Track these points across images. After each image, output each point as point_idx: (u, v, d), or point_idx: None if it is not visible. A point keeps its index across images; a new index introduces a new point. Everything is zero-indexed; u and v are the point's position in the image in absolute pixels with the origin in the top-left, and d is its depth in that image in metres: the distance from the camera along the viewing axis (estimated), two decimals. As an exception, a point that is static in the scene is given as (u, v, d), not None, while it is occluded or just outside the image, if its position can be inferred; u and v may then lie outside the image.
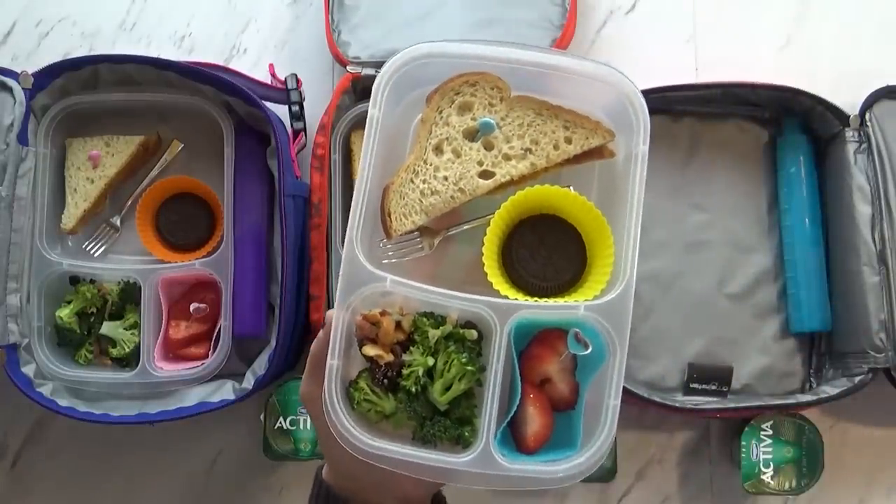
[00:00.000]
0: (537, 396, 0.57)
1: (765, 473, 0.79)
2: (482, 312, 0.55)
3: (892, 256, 0.78)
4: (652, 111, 0.85)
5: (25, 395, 0.77)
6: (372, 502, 0.56)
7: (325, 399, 0.53)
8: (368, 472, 0.54)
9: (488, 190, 0.57)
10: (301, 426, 0.81)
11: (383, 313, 0.55)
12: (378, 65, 0.83)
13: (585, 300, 0.55)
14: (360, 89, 0.84)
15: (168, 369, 0.80)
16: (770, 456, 0.79)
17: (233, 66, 0.89)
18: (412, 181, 0.57)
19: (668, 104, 0.85)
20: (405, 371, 0.55)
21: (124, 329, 0.82)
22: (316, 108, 0.85)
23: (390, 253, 0.59)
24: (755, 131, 0.87)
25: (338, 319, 0.54)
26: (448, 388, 0.55)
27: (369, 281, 0.54)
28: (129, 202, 0.86)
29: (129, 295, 0.83)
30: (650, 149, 0.84)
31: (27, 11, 0.95)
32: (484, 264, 0.57)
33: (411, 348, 0.56)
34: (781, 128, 0.86)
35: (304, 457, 0.81)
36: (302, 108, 0.84)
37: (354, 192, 0.55)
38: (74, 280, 0.84)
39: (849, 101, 0.82)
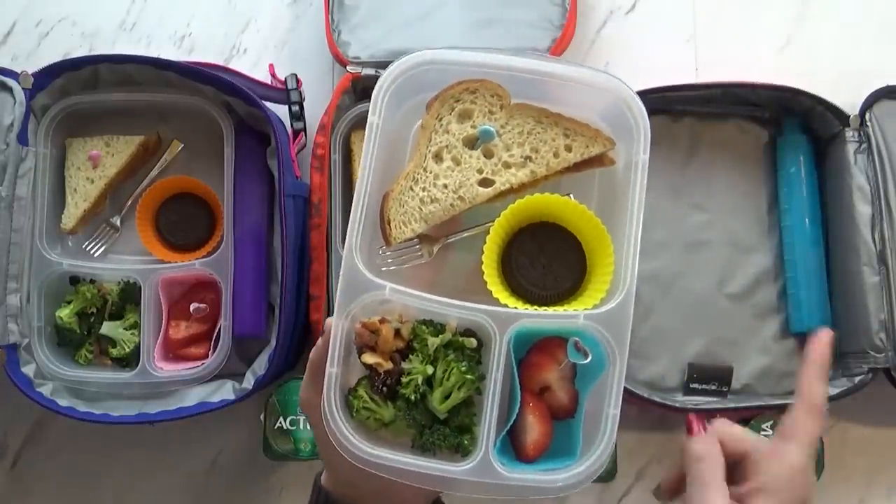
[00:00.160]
0: (536, 405, 0.57)
1: (765, 473, 0.79)
2: (481, 321, 0.55)
3: (892, 256, 0.78)
4: (652, 111, 0.85)
5: (25, 395, 0.77)
6: None
7: (324, 407, 0.53)
8: (368, 480, 0.54)
9: (488, 198, 0.57)
10: (301, 426, 0.81)
11: (382, 321, 0.55)
12: (378, 65, 0.83)
13: (585, 309, 0.55)
14: (360, 89, 0.84)
15: (168, 369, 0.80)
16: (770, 456, 0.79)
17: (233, 66, 0.89)
18: (412, 189, 0.57)
19: (668, 104, 0.85)
20: (404, 379, 0.55)
21: (124, 329, 0.82)
22: (316, 108, 0.85)
23: (389, 260, 0.59)
24: (755, 131, 0.87)
25: (337, 328, 0.54)
26: (447, 397, 0.55)
27: (368, 289, 0.54)
28: (129, 202, 0.86)
29: (129, 295, 0.83)
30: (650, 148, 0.85)
31: (27, 11, 0.95)
32: (483, 272, 0.57)
33: (410, 356, 0.56)
34: (781, 128, 0.86)
35: (304, 457, 0.81)
36: (302, 108, 0.84)
37: (354, 200, 0.55)
38: (74, 280, 0.84)
39: (849, 101, 0.82)
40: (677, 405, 0.79)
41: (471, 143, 0.58)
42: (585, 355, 0.54)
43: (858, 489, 0.85)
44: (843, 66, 0.91)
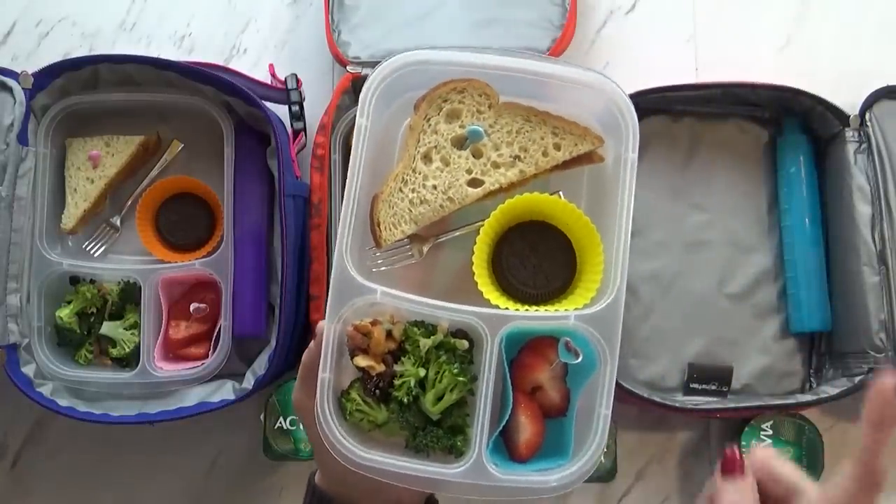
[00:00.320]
0: (528, 405, 0.57)
1: (765, 473, 0.79)
2: (473, 322, 0.55)
3: (892, 256, 0.78)
4: (652, 111, 0.86)
5: (25, 395, 0.77)
6: None
7: (317, 411, 0.53)
8: (362, 479, 0.54)
9: (477, 198, 0.57)
10: (301, 426, 0.80)
11: (374, 322, 0.55)
12: (378, 65, 0.83)
13: (576, 308, 0.55)
14: (360, 89, 0.84)
15: (168, 369, 0.80)
16: (770, 456, 0.79)
17: (233, 66, 0.89)
18: (401, 190, 0.57)
19: (668, 104, 0.85)
20: (397, 381, 0.55)
21: (124, 329, 0.82)
22: (316, 108, 0.85)
23: (380, 261, 0.59)
24: (755, 131, 0.87)
25: (328, 331, 0.54)
26: (440, 399, 0.55)
27: (359, 293, 0.54)
28: (129, 202, 0.86)
29: (129, 295, 0.83)
30: (650, 148, 0.86)
31: (27, 11, 0.95)
32: (474, 272, 0.57)
33: (402, 358, 0.56)
34: (781, 128, 0.86)
35: (304, 457, 0.81)
36: (302, 108, 0.84)
37: (343, 202, 0.54)
38: (74, 280, 0.84)
39: (849, 101, 0.82)
40: (677, 405, 0.79)
41: (459, 143, 0.58)
42: (576, 355, 0.54)
43: (858, 489, 0.85)
44: (843, 66, 0.91)
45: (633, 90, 0.81)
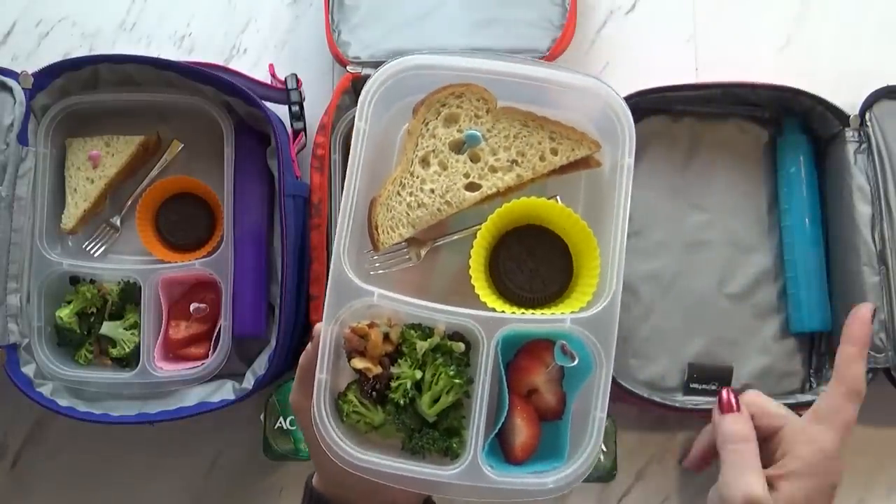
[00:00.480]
0: (524, 407, 0.57)
1: (765, 473, 0.79)
2: (469, 325, 0.55)
3: (892, 256, 0.78)
4: (652, 111, 0.86)
5: (25, 395, 0.77)
6: None
7: (314, 413, 0.54)
8: (358, 481, 0.54)
9: (475, 202, 0.57)
10: (299, 427, 0.80)
11: (371, 325, 0.55)
12: (378, 65, 0.82)
13: (572, 312, 0.55)
14: (360, 89, 0.84)
15: (168, 369, 0.80)
16: (770, 456, 0.79)
17: (233, 66, 0.89)
18: (399, 194, 0.57)
19: (668, 104, 0.85)
20: (393, 384, 0.55)
21: (124, 329, 0.82)
22: (316, 108, 0.85)
23: (377, 264, 0.59)
24: (755, 131, 0.87)
25: (325, 333, 0.54)
26: (436, 401, 0.56)
27: (357, 295, 0.55)
28: (129, 202, 0.86)
29: (129, 295, 0.83)
30: (650, 148, 0.86)
31: (27, 11, 0.95)
32: (471, 276, 0.57)
33: (399, 361, 0.56)
34: (781, 128, 0.86)
35: (304, 457, 0.81)
36: (302, 108, 0.84)
37: (341, 205, 0.55)
38: (74, 280, 0.84)
39: (849, 101, 0.82)
40: (677, 405, 0.79)
41: (457, 147, 0.58)
42: (572, 358, 0.54)
43: (858, 489, 0.85)
44: (843, 66, 0.91)
45: (633, 90, 0.81)
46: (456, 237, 0.60)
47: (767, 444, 0.52)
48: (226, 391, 0.80)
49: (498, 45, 0.84)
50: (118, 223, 0.86)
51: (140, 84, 0.83)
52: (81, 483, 0.88)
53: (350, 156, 0.55)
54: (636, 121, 0.84)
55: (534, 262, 0.59)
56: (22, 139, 0.79)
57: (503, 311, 0.56)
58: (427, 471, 0.54)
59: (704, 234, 0.85)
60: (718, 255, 0.85)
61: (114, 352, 0.82)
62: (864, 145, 0.81)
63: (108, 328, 0.82)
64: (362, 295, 0.55)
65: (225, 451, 0.88)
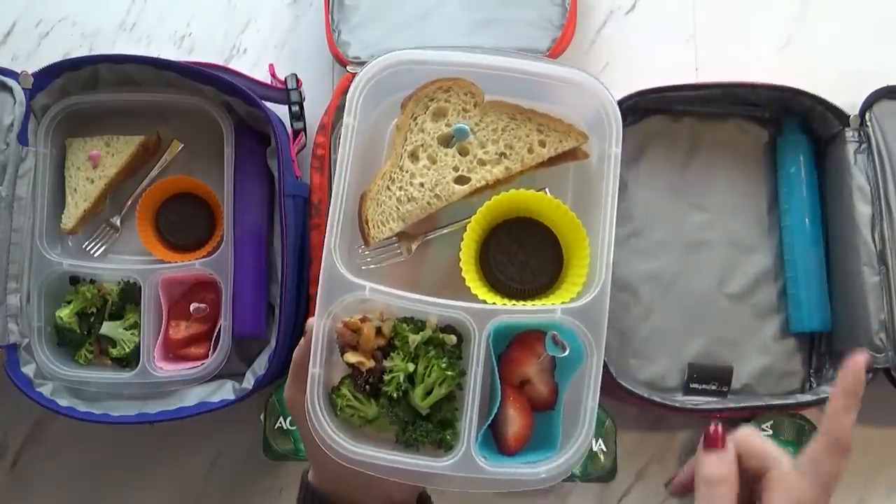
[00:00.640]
0: (517, 398, 0.58)
1: (765, 473, 0.79)
2: (461, 317, 0.55)
3: (892, 256, 0.78)
4: (652, 111, 0.86)
5: (25, 395, 0.77)
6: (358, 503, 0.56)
7: (308, 407, 0.54)
8: (353, 474, 0.54)
9: (464, 195, 0.58)
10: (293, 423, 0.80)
11: (363, 319, 0.55)
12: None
13: (562, 302, 0.55)
14: (359, 89, 0.84)
15: (168, 369, 0.80)
16: (770, 456, 0.79)
17: (233, 66, 0.89)
18: (389, 188, 0.58)
19: (668, 104, 0.85)
20: (386, 377, 0.56)
21: (124, 329, 0.82)
22: (316, 108, 0.85)
23: (369, 259, 0.60)
24: (755, 131, 0.87)
25: (318, 328, 0.54)
26: (429, 393, 0.56)
27: (348, 290, 0.55)
28: (129, 202, 0.86)
29: (129, 295, 0.83)
30: (650, 148, 0.86)
31: (27, 11, 0.95)
32: (462, 269, 0.57)
33: (392, 354, 0.56)
34: (781, 128, 0.86)
35: (303, 457, 0.81)
36: (302, 108, 0.85)
37: (331, 200, 0.55)
38: (74, 280, 0.84)
39: (849, 101, 0.82)
40: (677, 405, 0.79)
41: (446, 141, 0.58)
42: (563, 348, 0.55)
43: (858, 489, 0.85)
44: (843, 66, 0.91)
45: (633, 90, 0.81)
46: (446, 231, 0.61)
47: (756, 484, 0.50)
48: (226, 391, 0.80)
49: (498, 45, 0.84)
50: (118, 223, 0.86)
51: (140, 84, 0.83)
52: (81, 483, 0.88)
53: (339, 151, 0.55)
54: (636, 121, 0.86)
55: (524, 253, 0.60)
56: (22, 139, 0.79)
57: (494, 303, 0.56)
58: (421, 462, 0.54)
59: (704, 234, 0.85)
60: (718, 255, 0.85)
61: (114, 352, 0.82)
62: (864, 145, 0.81)
63: (108, 328, 0.82)
64: (354, 289, 0.55)
65: (225, 451, 0.88)
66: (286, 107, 0.84)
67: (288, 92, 0.84)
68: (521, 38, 0.85)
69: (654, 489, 0.86)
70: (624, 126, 0.57)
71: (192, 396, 0.80)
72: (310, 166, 0.80)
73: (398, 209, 0.58)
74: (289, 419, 0.81)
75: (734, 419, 0.83)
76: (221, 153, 0.82)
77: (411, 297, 0.55)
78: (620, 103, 0.62)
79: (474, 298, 0.56)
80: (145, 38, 0.94)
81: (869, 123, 0.81)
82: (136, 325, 0.82)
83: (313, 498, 0.57)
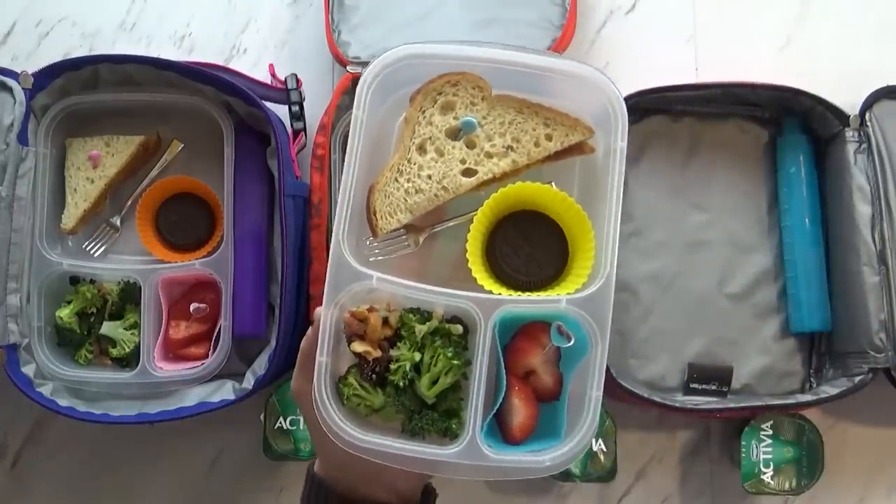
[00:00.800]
0: (522, 388, 0.58)
1: (765, 473, 0.79)
2: (467, 307, 0.56)
3: (892, 256, 0.78)
4: (652, 111, 0.86)
5: (25, 395, 0.77)
6: (364, 494, 0.57)
7: (315, 395, 0.54)
8: (359, 463, 0.55)
9: (471, 187, 0.58)
10: (301, 426, 0.81)
11: (371, 309, 0.56)
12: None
13: (567, 294, 0.55)
14: (359, 88, 0.84)
15: (168, 369, 0.80)
16: (770, 456, 0.79)
17: (233, 66, 0.89)
18: (397, 180, 0.58)
19: (668, 104, 0.85)
20: (393, 366, 0.56)
21: (124, 329, 0.82)
22: (316, 108, 0.85)
23: (377, 250, 0.60)
24: (755, 131, 0.87)
25: (325, 317, 0.55)
26: (435, 382, 0.56)
27: (356, 279, 0.55)
28: (129, 202, 0.86)
29: (129, 295, 0.83)
30: (650, 148, 0.86)
31: (27, 11, 0.95)
32: (468, 261, 0.57)
33: (398, 343, 0.57)
34: (781, 128, 0.86)
35: (304, 457, 0.81)
36: (302, 108, 0.85)
37: (340, 192, 0.55)
38: (74, 280, 0.84)
39: (849, 101, 0.82)
40: (677, 405, 0.79)
41: (453, 134, 0.59)
42: (568, 339, 0.55)
43: (858, 489, 0.86)
44: (843, 66, 0.91)
45: (633, 90, 0.81)
46: (453, 223, 0.61)
47: None
48: (226, 391, 0.80)
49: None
50: (118, 223, 0.86)
51: (140, 84, 0.83)
52: (81, 483, 0.88)
53: (348, 144, 0.56)
54: (636, 121, 0.86)
55: (530, 246, 0.60)
56: (22, 139, 0.79)
57: (500, 294, 0.56)
58: (427, 450, 0.55)
59: (704, 234, 0.85)
60: (718, 255, 0.85)
61: (114, 352, 0.82)
62: (864, 145, 0.81)
63: (108, 328, 0.82)
64: (361, 278, 0.55)
65: (225, 451, 0.88)
66: (286, 107, 0.84)
67: (288, 92, 0.84)
68: (521, 38, 0.85)
69: (654, 489, 0.86)
70: (624, 125, 0.57)
71: (192, 396, 0.80)
72: (310, 166, 0.80)
73: (406, 200, 0.58)
74: (289, 419, 0.81)
75: (734, 419, 0.83)
76: (221, 153, 0.82)
77: (418, 287, 0.56)
78: (621, 103, 0.62)
79: (480, 290, 0.57)
80: (145, 38, 0.94)
81: (869, 123, 0.81)
82: (136, 325, 0.82)
83: (319, 489, 0.57)
